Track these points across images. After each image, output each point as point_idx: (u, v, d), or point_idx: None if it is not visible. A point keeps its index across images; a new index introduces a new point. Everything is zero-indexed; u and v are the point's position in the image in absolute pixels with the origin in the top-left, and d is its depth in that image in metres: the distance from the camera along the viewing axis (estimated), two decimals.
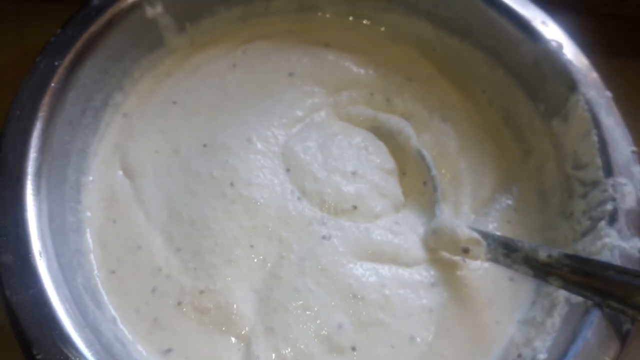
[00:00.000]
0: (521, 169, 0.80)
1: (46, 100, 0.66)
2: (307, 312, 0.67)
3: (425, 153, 0.78)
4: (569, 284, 0.62)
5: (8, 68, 0.92)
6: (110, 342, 0.60)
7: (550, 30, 0.77)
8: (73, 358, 0.54)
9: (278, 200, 0.72)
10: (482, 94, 0.85)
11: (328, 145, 0.77)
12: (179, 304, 0.66)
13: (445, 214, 0.75)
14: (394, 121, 0.81)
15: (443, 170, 0.79)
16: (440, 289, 0.71)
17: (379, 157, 0.79)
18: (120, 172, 0.74)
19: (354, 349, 0.66)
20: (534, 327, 0.68)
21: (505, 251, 0.67)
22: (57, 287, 0.57)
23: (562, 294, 0.67)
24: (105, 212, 0.71)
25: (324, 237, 0.71)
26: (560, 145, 0.76)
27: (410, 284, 0.70)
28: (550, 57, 0.76)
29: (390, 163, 0.79)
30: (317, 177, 0.74)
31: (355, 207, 0.73)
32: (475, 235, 0.69)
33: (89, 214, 0.70)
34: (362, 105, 0.83)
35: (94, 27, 0.71)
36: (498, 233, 0.73)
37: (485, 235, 0.69)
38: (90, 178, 0.72)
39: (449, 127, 0.82)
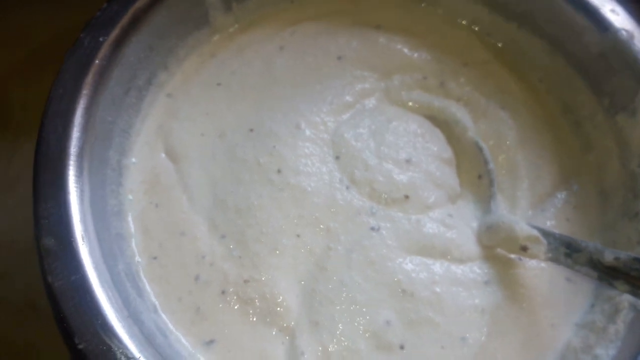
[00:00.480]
0: (580, 164, 0.76)
1: (89, 78, 0.63)
2: (354, 307, 0.64)
3: (483, 145, 0.74)
4: (637, 289, 0.58)
5: (49, 45, 0.90)
6: (152, 332, 0.58)
7: (620, 19, 0.72)
8: (116, 349, 0.52)
9: (326, 189, 0.69)
10: (539, 83, 0.80)
11: (381, 131, 0.73)
12: (223, 293, 0.64)
13: (501, 209, 0.71)
14: (451, 110, 0.77)
15: (500, 161, 0.75)
16: (494, 288, 0.68)
17: (436, 145, 0.75)
18: (163, 155, 0.71)
19: (402, 347, 0.63)
20: (594, 333, 0.64)
21: (568, 251, 0.63)
22: (100, 274, 0.56)
23: (626, 299, 0.63)
24: (147, 196, 0.69)
25: (372, 229, 0.68)
26: (626, 142, 0.71)
27: (462, 282, 0.67)
28: (619, 48, 0.71)
29: (447, 152, 0.75)
30: (368, 165, 0.71)
31: (407, 197, 0.70)
32: (535, 232, 0.65)
33: (130, 197, 0.68)
34: (418, 90, 0.78)
35: (140, 2, 0.68)
36: (557, 231, 0.69)
37: (546, 234, 0.66)
38: (133, 160, 0.70)
39: (507, 116, 0.77)
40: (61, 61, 0.65)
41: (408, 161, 0.72)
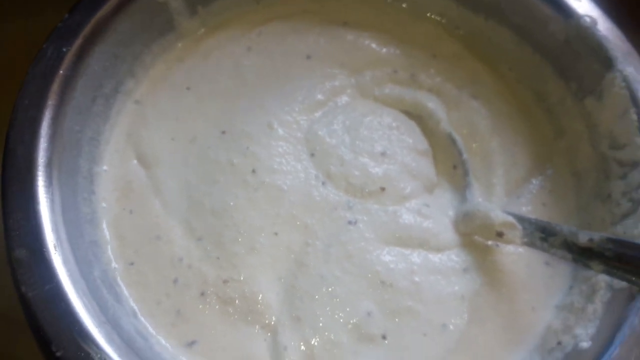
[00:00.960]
0: (554, 149, 0.77)
1: (55, 88, 0.63)
2: (335, 300, 0.64)
3: (456, 137, 0.75)
4: (612, 269, 0.59)
5: (15, 60, 0.89)
6: (131, 337, 0.57)
7: (583, 6, 0.73)
8: (94, 354, 0.51)
9: (302, 187, 0.69)
10: (509, 72, 0.81)
11: (356, 126, 0.74)
12: (202, 294, 0.63)
13: (477, 198, 0.72)
14: (424, 102, 0.77)
15: (474, 149, 0.75)
16: (473, 275, 0.68)
17: (411, 138, 0.75)
18: (135, 161, 0.71)
19: (384, 337, 0.63)
20: (573, 314, 0.65)
21: (543, 235, 0.64)
22: (74, 282, 0.55)
23: (602, 279, 0.64)
24: (120, 203, 0.68)
25: (349, 223, 0.68)
26: (595, 125, 0.72)
27: (440, 270, 0.67)
28: (583, 34, 0.72)
29: (423, 144, 0.75)
30: (344, 160, 0.71)
31: (383, 189, 0.70)
32: (510, 218, 0.66)
33: (103, 204, 0.67)
34: (389, 84, 0.79)
35: (102, 12, 0.67)
36: (533, 216, 0.69)
37: (521, 219, 0.66)
38: (105, 168, 0.69)
39: (480, 105, 0.78)
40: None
41: (383, 154, 0.72)
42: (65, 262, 0.55)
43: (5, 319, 0.74)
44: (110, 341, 0.53)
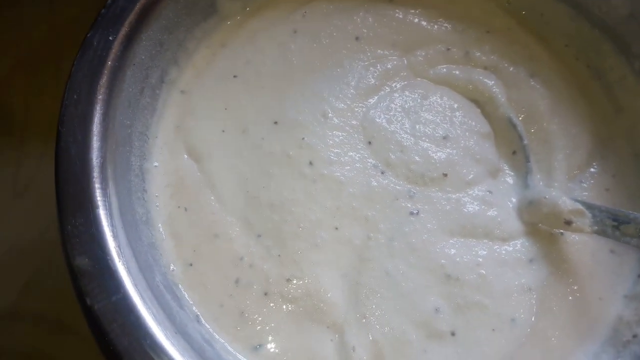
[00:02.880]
0: (614, 130, 0.74)
1: (104, 81, 0.59)
2: (401, 297, 0.62)
3: (517, 121, 0.72)
4: None
5: (44, 43, 0.85)
6: (200, 345, 0.55)
7: None
8: None
9: (361, 177, 0.66)
10: (566, 48, 0.77)
11: (416, 109, 0.71)
12: (266, 294, 0.61)
13: (539, 184, 0.69)
14: (483, 81, 0.73)
15: (533, 132, 0.72)
16: (539, 265, 0.66)
17: (473, 120, 0.72)
18: (185, 155, 0.68)
19: (453, 334, 0.61)
20: None
21: (615, 223, 0.62)
22: (141, 290, 0.52)
23: None
24: (174, 200, 0.65)
25: (411, 214, 0.65)
26: None
27: (506, 262, 0.65)
28: None
29: (485, 126, 0.72)
30: (404, 146, 0.68)
31: (445, 175, 0.67)
32: (579, 206, 0.63)
33: (157, 203, 0.65)
34: (443, 63, 0.75)
35: None
36: (597, 203, 0.67)
37: (590, 206, 0.64)
38: (155, 164, 0.67)
39: (538, 84, 0.74)
40: (59, 58, 0.60)
41: (445, 138, 0.69)
42: (129, 269, 0.53)
43: (57, 322, 0.73)
44: (182, 352, 0.51)
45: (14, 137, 0.84)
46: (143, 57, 0.64)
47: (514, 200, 0.69)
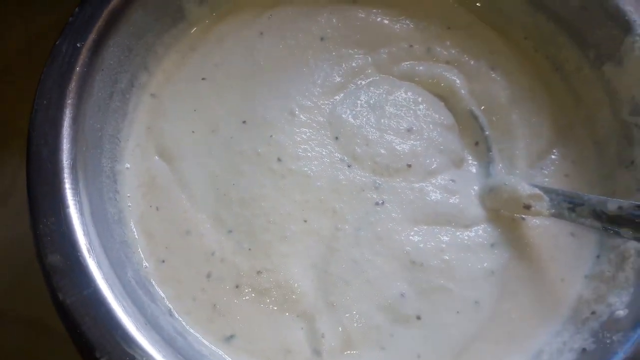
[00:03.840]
0: (574, 119, 0.76)
1: (73, 86, 0.61)
2: (368, 284, 0.64)
3: (478, 113, 0.74)
4: None
5: (19, 53, 0.87)
6: (171, 336, 0.57)
7: None
8: (139, 358, 0.51)
9: (328, 171, 0.69)
10: (525, 41, 0.80)
11: (381, 104, 0.73)
12: (237, 287, 0.63)
13: (501, 172, 0.72)
14: (444, 75, 0.76)
15: (495, 122, 0.75)
16: (501, 250, 0.68)
17: (437, 113, 0.74)
18: (157, 157, 0.70)
19: (419, 317, 0.64)
20: (604, 283, 0.65)
21: (570, 205, 0.64)
22: (111, 285, 0.54)
23: (632, 246, 0.64)
24: (146, 200, 0.67)
25: (377, 204, 0.68)
26: (615, 92, 0.72)
27: (469, 247, 0.68)
28: None
29: (449, 118, 0.75)
30: (369, 140, 0.70)
31: (409, 166, 0.70)
32: (537, 190, 0.66)
33: (129, 203, 0.67)
34: (407, 60, 0.78)
35: (114, 3, 0.65)
36: (557, 187, 0.69)
37: (547, 190, 0.66)
38: (127, 165, 0.69)
39: (499, 76, 0.77)
40: (35, 67, 0.62)
41: (409, 130, 0.72)
42: (100, 265, 0.55)
43: (36, 324, 0.75)
44: (153, 343, 0.53)
45: None
46: (111, 63, 0.66)
47: (476, 188, 0.71)
